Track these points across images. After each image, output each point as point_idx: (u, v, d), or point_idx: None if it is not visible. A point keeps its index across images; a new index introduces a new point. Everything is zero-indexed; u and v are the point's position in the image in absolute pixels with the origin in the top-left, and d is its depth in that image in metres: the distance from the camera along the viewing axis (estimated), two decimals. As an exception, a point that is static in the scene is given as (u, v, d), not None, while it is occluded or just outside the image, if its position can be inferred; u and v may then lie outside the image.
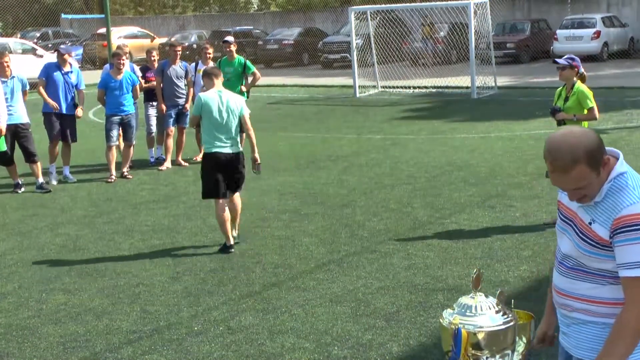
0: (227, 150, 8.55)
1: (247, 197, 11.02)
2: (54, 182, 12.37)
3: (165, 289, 7.52)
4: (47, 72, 12.43)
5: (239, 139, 8.73)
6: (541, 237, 8.51)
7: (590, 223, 3.24)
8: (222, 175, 8.49)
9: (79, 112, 12.58)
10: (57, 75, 12.36)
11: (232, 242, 8.57)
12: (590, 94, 8.70)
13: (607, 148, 3.30)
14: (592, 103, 8.67)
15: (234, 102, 8.64)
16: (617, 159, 3.30)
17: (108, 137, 12.66)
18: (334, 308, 6.80)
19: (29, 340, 6.42)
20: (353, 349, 5.96)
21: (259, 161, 8.84)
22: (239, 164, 8.62)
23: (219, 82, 8.72)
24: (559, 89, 9.04)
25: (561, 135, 3.19)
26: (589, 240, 3.24)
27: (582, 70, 8.86)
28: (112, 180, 12.47)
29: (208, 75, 8.75)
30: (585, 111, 8.69)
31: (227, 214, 8.54)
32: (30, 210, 10.84)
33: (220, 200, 8.51)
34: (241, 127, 8.79)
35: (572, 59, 8.85)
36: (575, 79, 8.81)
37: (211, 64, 13.97)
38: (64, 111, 12.42)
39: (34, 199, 11.51)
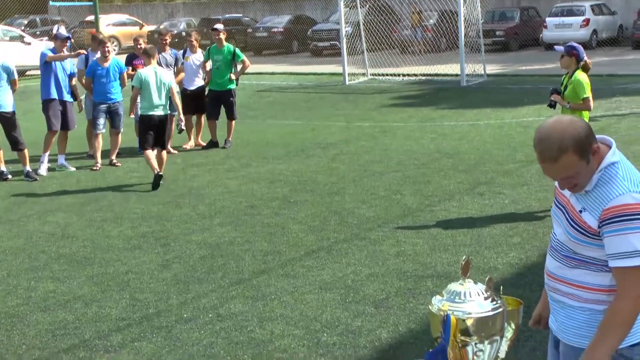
0: (159, 112, 11.18)
1: (236, 185, 11.03)
2: (44, 173, 12.25)
3: (154, 276, 7.52)
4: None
5: (167, 105, 11.26)
6: (530, 224, 8.54)
7: (580, 211, 3.26)
8: (153, 131, 11.13)
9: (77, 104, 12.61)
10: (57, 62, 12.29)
11: (157, 171, 10.98)
12: (587, 84, 8.69)
13: (600, 136, 3.30)
14: (587, 93, 8.67)
15: (165, 77, 11.33)
16: (610, 147, 3.30)
17: (95, 125, 12.62)
18: (323, 295, 6.81)
19: (17, 328, 6.40)
20: (342, 335, 5.98)
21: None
22: (166, 123, 11.43)
23: (154, 61, 11.41)
24: (564, 76, 9.07)
25: (549, 124, 3.20)
26: (579, 227, 3.25)
27: (584, 58, 8.81)
28: (98, 168, 12.43)
29: (146, 54, 11.45)
30: (581, 101, 8.71)
31: (153, 157, 11.11)
32: (19, 198, 10.80)
33: (149, 150, 11.11)
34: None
35: (572, 47, 8.85)
36: (575, 67, 8.79)
37: (199, 51, 13.94)
38: (65, 98, 12.37)
39: (22, 187, 11.46)
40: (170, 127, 13.14)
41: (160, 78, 11.19)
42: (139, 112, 11.30)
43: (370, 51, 23.94)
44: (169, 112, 11.44)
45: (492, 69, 23.01)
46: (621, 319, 3.14)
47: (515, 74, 22.85)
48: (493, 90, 19.74)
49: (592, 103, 8.80)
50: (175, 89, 11.71)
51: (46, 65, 12.25)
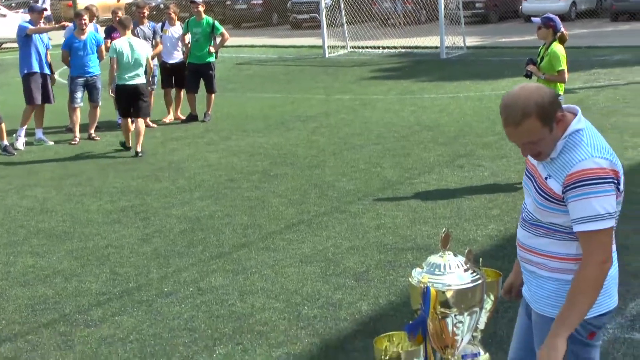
0: (134, 82, 11.53)
1: (216, 158, 11.00)
2: (21, 147, 12.14)
3: (134, 250, 7.50)
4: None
5: (143, 74, 11.62)
6: (509, 196, 8.58)
7: (546, 178, 3.31)
8: (129, 100, 11.54)
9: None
10: (35, 35, 12.18)
11: (130, 144, 11.56)
12: (562, 56, 8.72)
13: (566, 105, 3.33)
14: (562, 66, 8.70)
15: (140, 47, 11.62)
16: (576, 115, 3.33)
17: (72, 99, 12.52)
18: (303, 268, 6.83)
19: (-3, 303, 6.38)
20: (323, 308, 6.00)
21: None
22: (142, 92, 11.60)
23: (129, 31, 11.77)
24: (541, 47, 9.08)
25: (515, 91, 3.26)
26: (545, 194, 3.30)
27: (561, 29, 8.83)
28: (76, 142, 12.35)
29: (121, 25, 11.85)
30: (556, 73, 8.74)
31: (130, 127, 11.64)
32: (-3, 173, 10.72)
33: (126, 119, 11.70)
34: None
35: (549, 19, 8.86)
36: (552, 38, 8.81)
37: (177, 24, 13.83)
38: (45, 71, 12.28)
39: None
40: (149, 100, 13.08)
41: (134, 48, 11.51)
42: (116, 82, 11.63)
43: (350, 24, 23.83)
44: (144, 81, 11.74)
45: (471, 41, 22.99)
46: (587, 286, 3.16)
47: (495, 46, 22.83)
48: (473, 63, 19.74)
49: (567, 75, 8.83)
50: (153, 61, 12.34)
51: (26, 38, 12.14)
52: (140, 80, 11.64)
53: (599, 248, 3.17)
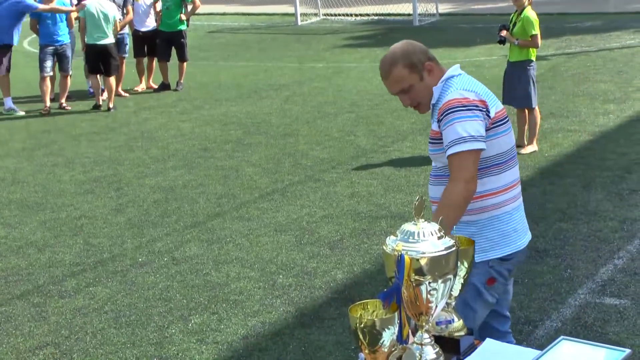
0: (102, 42, 12.14)
1: (189, 127, 10.94)
2: None
3: (108, 221, 7.47)
4: None
5: (111, 33, 12.20)
6: (482, 164, 8.62)
7: (432, 124, 3.55)
8: (98, 58, 12.19)
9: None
10: None
11: (100, 102, 12.45)
12: (535, 21, 8.76)
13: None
14: (535, 31, 8.74)
15: (108, 8, 12.16)
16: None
17: (42, 68, 12.30)
18: (278, 237, 6.84)
19: (-31, 275, 6.34)
20: (298, 276, 6.02)
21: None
22: (110, 52, 12.22)
23: None
24: (512, 14, 9.10)
25: (390, 48, 3.58)
26: (431, 139, 3.55)
27: None
28: (46, 110, 12.23)
29: None
30: (529, 38, 8.77)
31: (99, 83, 12.51)
32: (-33, 144, 10.61)
33: (95, 75, 12.39)
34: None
35: None
36: (526, 3, 8.85)
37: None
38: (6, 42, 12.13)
39: (-31, 132, 11.26)
40: (121, 67, 12.99)
41: (102, 9, 12.07)
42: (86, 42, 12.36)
43: (323, -9, 23.70)
44: (113, 41, 12.33)
45: (444, 8, 22.95)
46: (450, 200, 3.35)
47: (468, 13, 22.83)
48: (445, 30, 19.73)
49: (540, 40, 8.86)
50: (125, 29, 13.09)
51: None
52: (109, 40, 12.22)
53: (462, 168, 3.34)
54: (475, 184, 3.36)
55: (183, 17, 13.52)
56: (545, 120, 10.00)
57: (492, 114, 3.42)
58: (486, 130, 3.38)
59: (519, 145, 9.05)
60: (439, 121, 3.43)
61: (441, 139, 3.42)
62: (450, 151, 3.35)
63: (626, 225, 6.66)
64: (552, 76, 12.90)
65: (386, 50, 3.66)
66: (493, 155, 3.44)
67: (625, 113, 10.31)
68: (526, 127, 9.06)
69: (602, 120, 10.01)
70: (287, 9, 24.30)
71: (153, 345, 5.12)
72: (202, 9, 15.72)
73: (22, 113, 12.28)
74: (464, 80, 3.52)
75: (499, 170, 3.47)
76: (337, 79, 13.98)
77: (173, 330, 5.28)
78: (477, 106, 3.38)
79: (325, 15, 23.41)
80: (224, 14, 25.60)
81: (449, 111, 3.37)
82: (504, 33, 8.93)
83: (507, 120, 3.53)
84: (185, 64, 13.75)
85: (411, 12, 21.28)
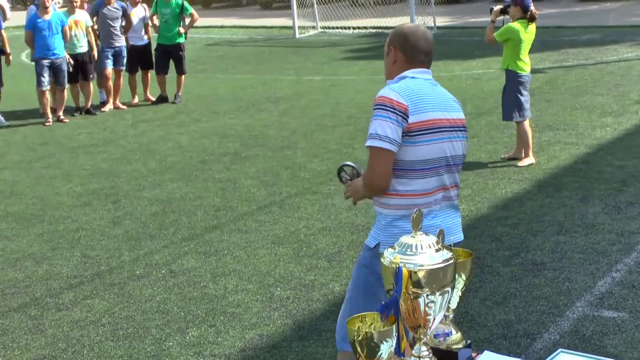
0: (79, 51, 12.62)
1: (187, 140, 10.95)
2: None
3: (105, 233, 7.47)
4: None
5: (86, 43, 12.76)
6: (479, 176, 8.63)
7: None
8: (76, 67, 12.54)
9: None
10: None
11: (79, 105, 13.09)
12: (505, 31, 8.75)
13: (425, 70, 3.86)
14: (500, 36, 8.78)
15: (81, 18, 12.64)
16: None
17: (39, 82, 12.19)
18: (276, 249, 6.83)
19: (-34, 288, 6.33)
20: (296, 289, 6.01)
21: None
22: (84, 60, 12.70)
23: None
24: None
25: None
26: None
27: (530, 8, 8.74)
28: (50, 123, 12.22)
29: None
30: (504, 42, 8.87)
31: (78, 91, 12.97)
32: (-36, 156, 10.60)
33: (75, 84, 12.81)
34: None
35: None
36: (520, 16, 8.77)
37: (139, 6, 13.62)
38: None
39: (-33, 145, 11.26)
40: (118, 80, 13.01)
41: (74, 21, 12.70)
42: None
43: (320, 4, 23.75)
44: (86, 50, 12.84)
45: (442, 21, 23.01)
46: (362, 183, 3.84)
47: (465, 26, 22.88)
48: (443, 43, 19.75)
49: (493, 41, 8.91)
50: (122, 42, 13.41)
51: None
52: (83, 49, 12.76)
53: (373, 161, 3.65)
54: (382, 180, 3.66)
55: (181, 30, 13.54)
56: (543, 133, 10.01)
57: (411, 120, 3.56)
58: (403, 135, 3.56)
59: (516, 158, 9.06)
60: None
61: None
62: (366, 144, 3.66)
63: (624, 237, 6.66)
64: (549, 89, 12.93)
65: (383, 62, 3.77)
66: (413, 160, 3.62)
67: (622, 126, 10.33)
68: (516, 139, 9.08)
69: (600, 133, 10.02)
70: (285, 22, 24.36)
71: (150, 358, 5.11)
72: (201, 22, 15.75)
73: (7, 124, 12.26)
74: (408, 82, 3.68)
75: (417, 176, 3.66)
76: (335, 92, 14.00)
77: (170, 343, 5.27)
78: (394, 108, 3.56)
79: (323, 28, 23.45)
80: (222, 26, 25.65)
81: (375, 107, 3.63)
82: (496, 11, 9.01)
83: (439, 131, 3.71)
84: (183, 76, 13.76)
85: (409, 25, 21.32)
